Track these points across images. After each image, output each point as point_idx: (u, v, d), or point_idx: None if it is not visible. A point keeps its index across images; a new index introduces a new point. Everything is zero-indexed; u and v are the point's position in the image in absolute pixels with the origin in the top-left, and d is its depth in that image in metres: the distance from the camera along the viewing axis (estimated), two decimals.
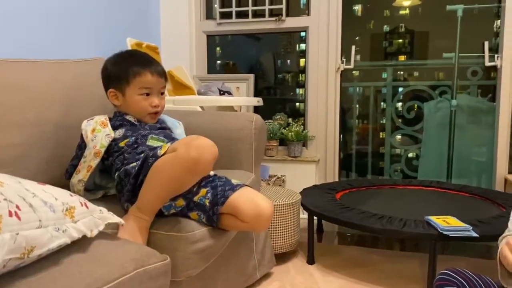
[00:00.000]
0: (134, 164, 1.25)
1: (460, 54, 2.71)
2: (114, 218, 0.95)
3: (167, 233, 1.13)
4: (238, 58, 3.35)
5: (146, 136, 1.37)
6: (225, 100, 2.24)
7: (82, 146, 1.40)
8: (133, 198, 1.21)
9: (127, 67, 1.39)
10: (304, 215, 2.12)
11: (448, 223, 1.70)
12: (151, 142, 1.36)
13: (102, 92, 1.74)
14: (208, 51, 3.11)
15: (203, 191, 1.22)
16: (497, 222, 1.75)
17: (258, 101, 2.35)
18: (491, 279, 1.26)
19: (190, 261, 1.14)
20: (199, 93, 2.31)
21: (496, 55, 2.59)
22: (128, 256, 0.87)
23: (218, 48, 3.35)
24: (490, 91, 2.82)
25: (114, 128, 1.39)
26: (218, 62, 3.34)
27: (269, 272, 1.93)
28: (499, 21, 2.65)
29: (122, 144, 1.34)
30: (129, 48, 2.21)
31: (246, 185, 1.30)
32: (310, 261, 2.08)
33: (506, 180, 2.57)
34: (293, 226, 2.08)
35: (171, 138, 1.43)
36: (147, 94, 1.40)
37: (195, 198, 1.21)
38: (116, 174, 1.30)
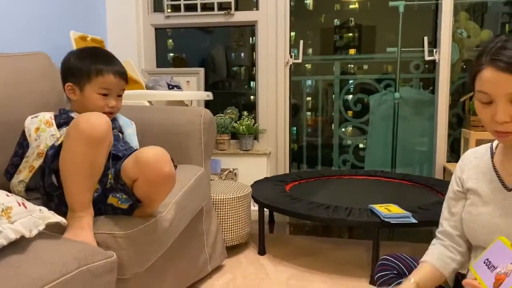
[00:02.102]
0: None
1: (402, 49, 2.84)
2: (55, 218, 0.93)
3: (110, 232, 1.11)
4: (190, 51, 3.32)
5: None
6: (174, 95, 2.22)
7: (23, 144, 1.34)
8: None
9: (91, 64, 1.37)
10: (255, 207, 2.16)
11: (390, 210, 1.79)
12: None
13: (44, 88, 1.69)
14: (159, 44, 3.07)
15: (110, 175, 1.22)
16: (435, 208, 1.86)
17: (207, 96, 2.35)
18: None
19: (136, 257, 1.14)
20: (147, 88, 2.27)
21: (434, 50, 2.72)
22: (70, 255, 0.86)
23: (170, 41, 3.30)
24: (431, 84, 2.97)
25: (59, 126, 1.35)
26: (171, 55, 3.30)
27: (221, 264, 1.95)
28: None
29: (60, 140, 1.28)
30: (73, 41, 2.14)
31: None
32: (261, 252, 2.12)
33: (445, 169, 2.73)
34: (244, 219, 2.11)
35: (117, 140, 1.39)
36: (106, 95, 1.38)
37: (107, 185, 1.21)
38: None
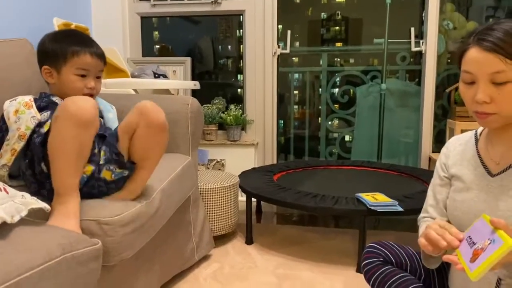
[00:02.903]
0: None
1: (389, 40, 2.84)
2: (38, 204, 0.91)
3: (96, 218, 1.10)
4: (176, 42, 3.28)
5: None
6: (160, 83, 2.20)
7: (2, 128, 1.31)
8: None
9: (66, 45, 1.34)
10: (242, 198, 2.15)
11: (376, 199, 1.80)
12: None
13: (26, 74, 1.65)
14: (145, 36, 3.03)
15: (103, 152, 1.25)
16: (420, 197, 1.88)
17: (194, 85, 2.33)
18: (412, 249, 1.37)
19: (122, 244, 1.12)
20: (133, 76, 2.24)
21: (421, 41, 2.74)
22: (54, 242, 0.84)
23: (156, 32, 3.26)
24: (417, 76, 2.99)
25: (40, 109, 1.32)
26: (157, 46, 3.26)
27: (208, 254, 1.95)
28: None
29: (46, 127, 1.27)
30: (56, 29, 2.09)
31: None
32: (249, 241, 2.12)
33: (430, 159, 2.76)
34: (232, 208, 2.11)
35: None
36: (83, 76, 1.36)
37: (101, 161, 1.23)
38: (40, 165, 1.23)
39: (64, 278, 0.83)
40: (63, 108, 1.09)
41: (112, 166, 1.23)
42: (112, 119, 1.53)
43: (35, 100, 1.34)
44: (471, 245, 0.92)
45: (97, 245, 0.95)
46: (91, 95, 1.39)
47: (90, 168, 1.21)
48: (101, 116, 1.50)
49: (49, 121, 1.23)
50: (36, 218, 0.98)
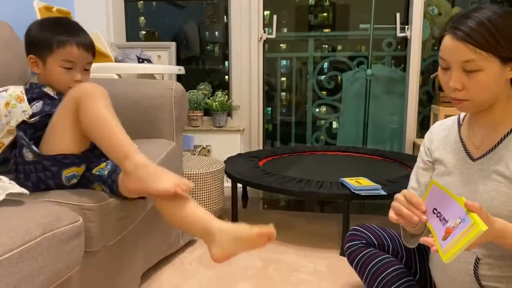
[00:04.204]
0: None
1: (375, 26, 2.85)
2: (16, 188, 0.90)
3: (78, 203, 1.08)
4: (162, 27, 3.24)
5: None
6: (144, 68, 2.17)
7: None
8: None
9: (52, 35, 1.28)
10: (228, 183, 2.15)
11: (360, 183, 1.82)
12: None
13: (6, 59, 1.62)
14: (131, 20, 2.99)
15: (103, 164, 1.22)
16: (404, 181, 1.90)
17: (179, 70, 2.31)
18: (394, 231, 1.39)
19: (105, 231, 1.12)
20: (117, 61, 2.21)
21: (406, 27, 2.75)
22: (34, 222, 0.84)
23: (142, 18, 3.22)
24: (402, 62, 3.01)
25: (31, 100, 1.29)
26: (143, 32, 3.22)
27: (193, 239, 1.95)
28: None
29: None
30: (37, 11, 2.05)
31: None
32: None
33: (414, 144, 2.79)
34: (217, 194, 2.11)
35: None
36: (70, 68, 1.30)
37: (94, 171, 1.20)
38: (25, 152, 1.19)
39: (46, 257, 0.82)
40: (82, 90, 1.11)
41: (103, 186, 1.19)
42: None
43: (26, 91, 1.31)
44: (443, 222, 0.94)
45: (78, 222, 0.95)
46: None
47: (83, 169, 1.18)
48: None
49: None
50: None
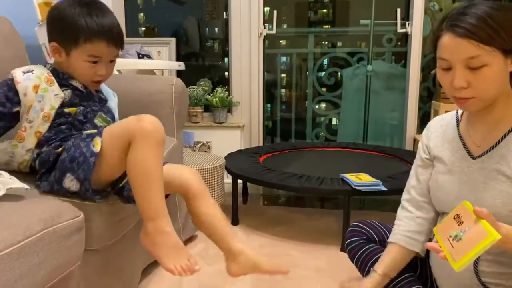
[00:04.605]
0: (74, 144, 1.11)
1: (375, 21, 2.84)
2: (16, 183, 0.89)
3: (80, 201, 1.08)
4: (162, 23, 3.23)
5: (95, 112, 1.24)
6: (144, 63, 2.17)
7: (13, 100, 1.14)
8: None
9: (81, 26, 1.14)
10: (228, 179, 2.15)
11: (360, 179, 1.82)
12: (99, 121, 1.23)
13: (5, 55, 1.61)
14: (130, 17, 2.98)
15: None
16: (404, 177, 1.88)
17: (179, 65, 2.31)
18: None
19: (105, 230, 1.12)
20: None
21: (407, 23, 2.74)
22: (35, 217, 0.83)
23: (141, 14, 3.21)
24: (403, 58, 3.00)
25: (60, 86, 1.19)
26: (142, 28, 3.21)
27: (194, 235, 1.95)
28: None
29: (68, 110, 1.18)
30: (36, 7, 2.04)
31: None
32: (235, 222, 2.13)
33: (415, 140, 2.79)
34: (217, 190, 2.11)
35: (114, 119, 1.32)
36: (95, 62, 1.19)
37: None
38: (50, 146, 1.13)
39: (47, 252, 0.82)
40: (139, 128, 1.03)
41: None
42: (114, 109, 1.40)
43: (53, 74, 1.21)
44: (450, 228, 0.93)
45: (79, 217, 0.94)
46: (100, 82, 1.28)
47: None
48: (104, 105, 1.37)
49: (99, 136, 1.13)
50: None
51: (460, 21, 0.95)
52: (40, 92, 1.14)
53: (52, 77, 1.18)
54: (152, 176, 1.05)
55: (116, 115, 1.41)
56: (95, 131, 1.18)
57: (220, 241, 1.21)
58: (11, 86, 1.14)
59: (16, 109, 1.15)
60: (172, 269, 1.05)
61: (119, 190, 1.18)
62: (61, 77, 1.22)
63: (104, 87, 1.41)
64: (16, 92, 1.14)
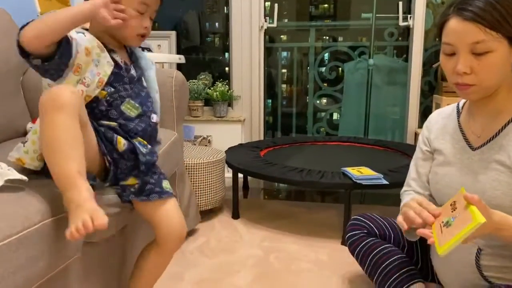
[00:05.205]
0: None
1: (377, 15, 2.82)
2: (14, 174, 0.89)
3: None
4: (162, 17, 3.21)
5: (123, 98, 1.13)
6: None
7: (70, 53, 1.01)
8: None
9: None
10: (229, 173, 2.15)
11: (362, 173, 1.81)
12: (126, 108, 1.13)
13: (3, 46, 1.60)
14: None
15: (132, 179, 1.15)
16: (405, 171, 1.87)
17: (179, 58, 2.29)
18: (395, 220, 1.38)
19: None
20: None
21: (409, 16, 2.72)
22: (33, 208, 0.83)
23: None
24: (404, 52, 2.98)
25: None
26: None
27: (195, 228, 1.95)
28: None
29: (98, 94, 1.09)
30: (35, 1, 2.03)
31: (173, 196, 1.21)
32: (235, 216, 2.13)
33: (416, 134, 2.78)
34: (218, 184, 2.10)
35: (146, 105, 1.19)
36: (143, 13, 1.13)
37: (121, 183, 1.14)
38: None
39: (46, 244, 0.82)
40: (40, 102, 0.92)
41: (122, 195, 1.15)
42: (152, 79, 1.31)
43: None
44: (443, 215, 0.93)
45: None
46: (144, 36, 1.18)
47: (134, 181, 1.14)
48: (142, 75, 1.26)
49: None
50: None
51: (468, 5, 0.94)
52: (95, 57, 1.07)
53: (103, 46, 1.10)
54: (55, 143, 0.91)
55: (155, 87, 1.32)
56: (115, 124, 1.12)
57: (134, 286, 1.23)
58: (66, 41, 1.01)
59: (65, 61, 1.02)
60: (66, 234, 0.83)
61: (120, 193, 1.15)
62: (105, 46, 1.13)
63: (144, 55, 1.31)
64: (69, 44, 1.02)
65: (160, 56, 2.33)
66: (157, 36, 2.78)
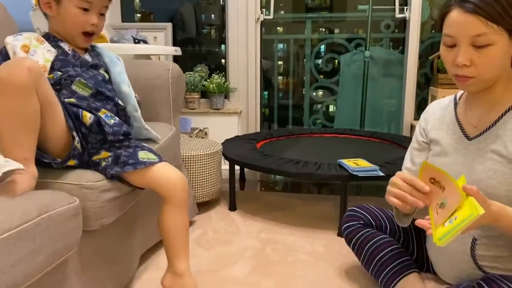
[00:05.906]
0: None
1: (373, 7, 2.82)
2: (10, 165, 0.88)
3: (77, 183, 1.08)
4: (158, 8, 3.19)
5: (73, 77, 1.19)
6: (140, 48, 2.14)
7: (7, 56, 1.15)
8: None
9: None
10: (226, 165, 2.15)
11: (358, 164, 1.82)
12: (77, 87, 1.19)
13: None
14: (126, 3, 2.94)
15: (105, 153, 1.18)
16: (401, 163, 1.89)
17: (176, 50, 2.28)
18: (391, 212, 1.39)
19: (102, 209, 1.11)
20: (112, 42, 2.18)
21: (405, 8, 2.72)
22: (31, 203, 0.83)
23: (137, 0, 3.16)
24: (400, 44, 2.98)
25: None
26: (138, 15, 3.17)
27: (191, 220, 1.96)
28: None
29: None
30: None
31: (156, 162, 1.23)
32: (232, 207, 2.14)
33: (412, 126, 2.79)
34: (215, 176, 2.11)
35: (100, 86, 1.25)
36: (86, 10, 1.20)
37: (94, 157, 1.17)
38: None
39: (44, 238, 0.82)
40: None
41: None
42: (120, 73, 1.37)
43: (44, 38, 1.22)
44: (440, 205, 0.94)
45: (75, 203, 0.94)
46: (93, 34, 1.26)
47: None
48: (107, 71, 1.35)
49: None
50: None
51: None
52: (32, 48, 1.16)
53: (43, 39, 1.20)
54: (3, 130, 0.93)
55: (125, 79, 1.37)
56: (72, 100, 1.17)
57: (170, 255, 1.27)
58: (3, 52, 1.16)
59: None
60: None
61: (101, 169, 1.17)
62: (52, 39, 1.23)
63: (106, 52, 1.40)
64: (6, 56, 1.15)
65: (156, 48, 2.32)
66: (153, 28, 2.76)
